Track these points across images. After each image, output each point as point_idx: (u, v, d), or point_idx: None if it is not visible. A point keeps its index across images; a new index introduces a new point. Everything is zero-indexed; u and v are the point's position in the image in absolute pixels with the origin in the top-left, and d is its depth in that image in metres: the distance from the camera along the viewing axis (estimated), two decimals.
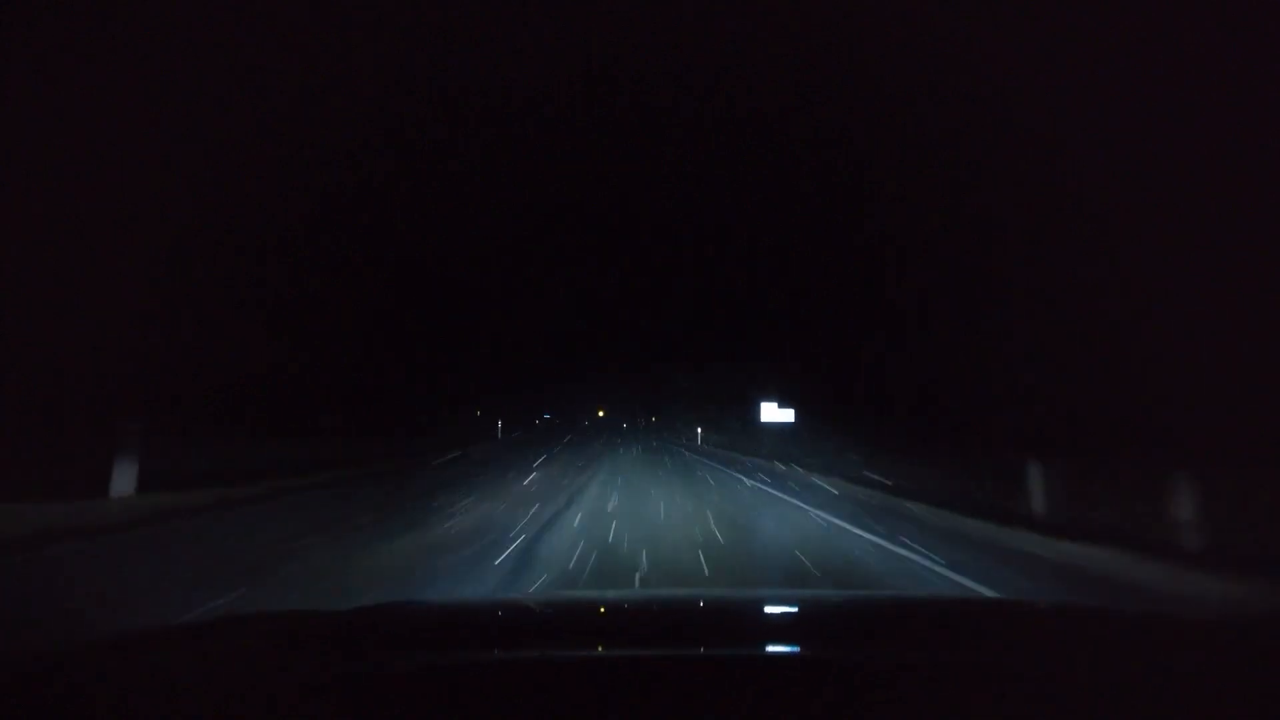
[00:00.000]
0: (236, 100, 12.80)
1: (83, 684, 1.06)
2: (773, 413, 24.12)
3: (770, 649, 1.25)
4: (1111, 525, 6.56)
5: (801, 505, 9.57)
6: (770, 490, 11.79)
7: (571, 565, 5.32)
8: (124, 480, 7.90)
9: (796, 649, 1.32)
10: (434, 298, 28.66)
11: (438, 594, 4.45)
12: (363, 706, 1.01)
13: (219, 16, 12.09)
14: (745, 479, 14.03)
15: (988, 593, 4.72)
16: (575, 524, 7.42)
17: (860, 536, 7.02)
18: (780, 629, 1.54)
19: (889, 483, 11.32)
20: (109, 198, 10.84)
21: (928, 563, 5.70)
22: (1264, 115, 7.10)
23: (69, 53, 10.39)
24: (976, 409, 11.88)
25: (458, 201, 28.50)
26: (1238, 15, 7.45)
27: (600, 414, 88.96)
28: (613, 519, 7.79)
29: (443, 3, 15.57)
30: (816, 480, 13.31)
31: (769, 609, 1.84)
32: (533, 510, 8.37)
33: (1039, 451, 7.62)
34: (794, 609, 1.84)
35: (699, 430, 35.59)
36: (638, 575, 5.01)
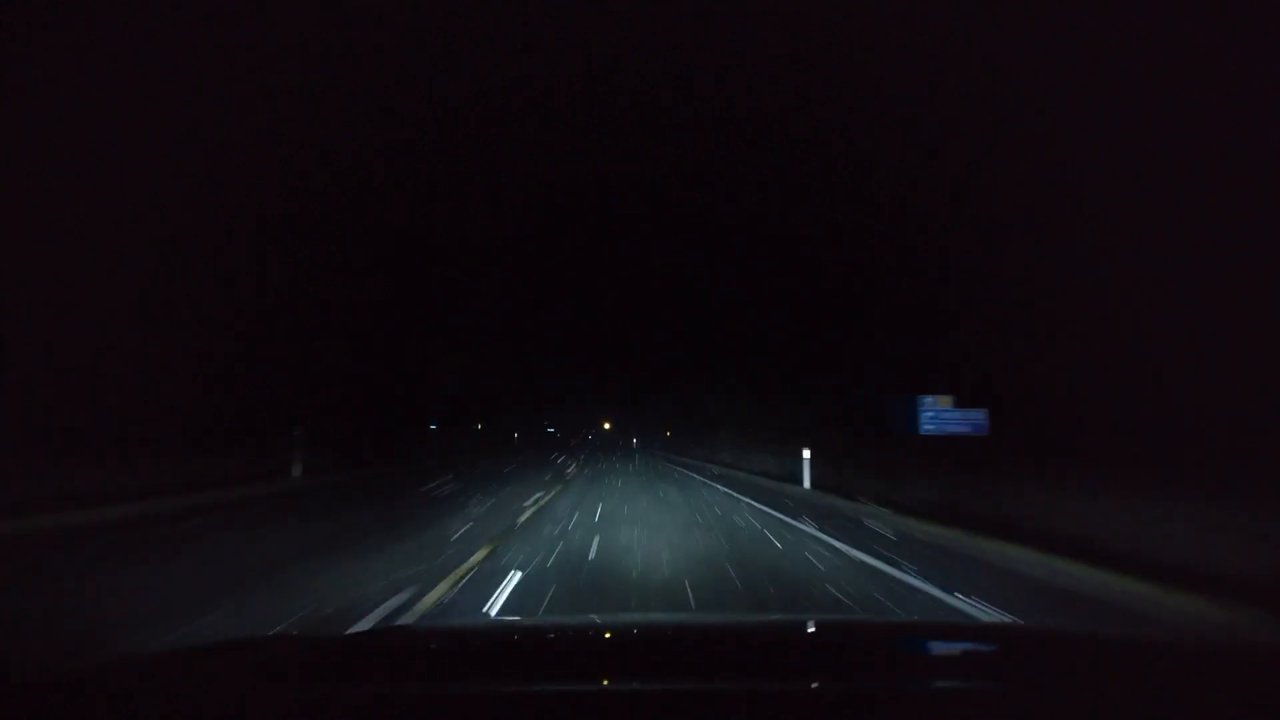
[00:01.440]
0: (231, 104, 12.78)
1: (80, 706, 1.07)
2: (945, 415, 11.82)
3: (770, 680, 1.22)
4: None
5: None
6: None
7: None
8: None
9: (796, 680, 1.29)
10: (429, 300, 28.35)
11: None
12: None
13: (218, 16, 12.06)
14: None
15: None
16: None
17: None
18: (782, 658, 1.51)
19: None
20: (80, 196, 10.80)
21: None
22: None
23: (67, 52, 10.37)
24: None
25: (457, 200, 28.47)
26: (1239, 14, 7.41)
27: (606, 426, 79.32)
28: None
29: (443, 4, 15.55)
30: None
31: (776, 637, 1.81)
32: None
33: None
34: (793, 636, 1.82)
35: (805, 455, 15.15)
36: None
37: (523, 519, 9.74)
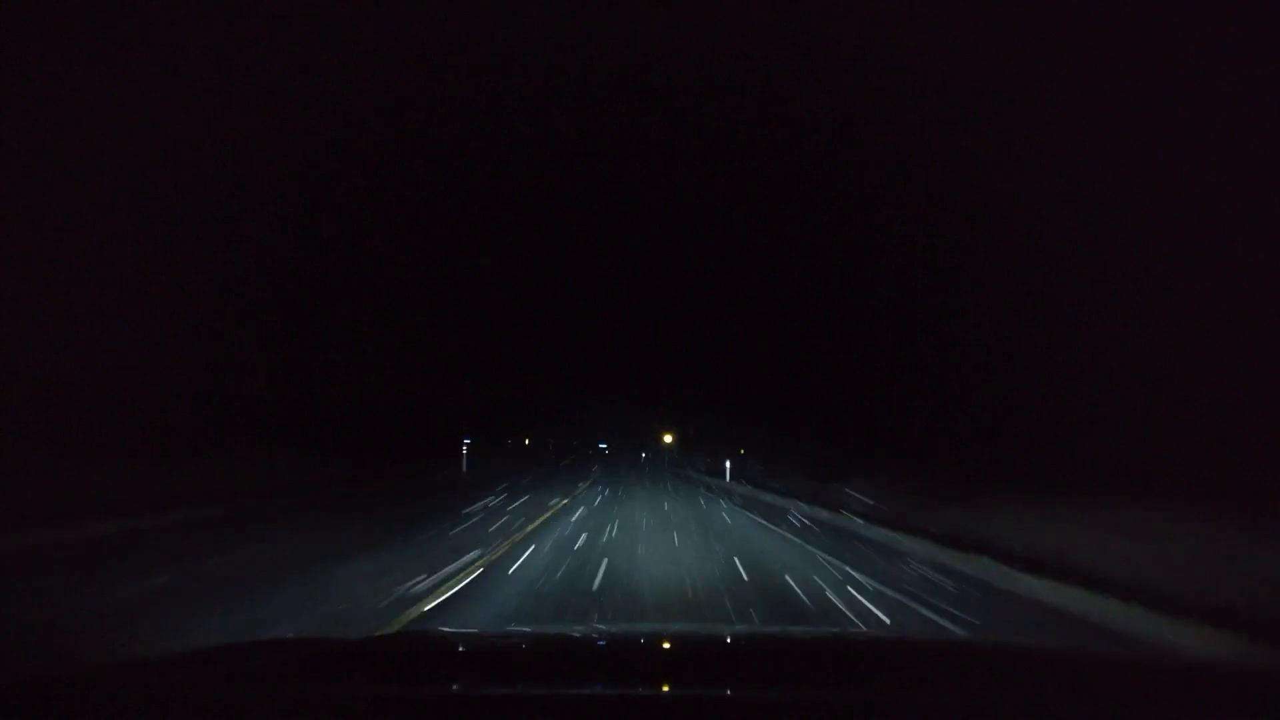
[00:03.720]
0: (233, 108, 12.75)
1: (102, 704, 1.08)
2: None
3: (758, 689, 1.25)
4: None
5: None
6: None
7: None
8: None
9: (775, 689, 1.31)
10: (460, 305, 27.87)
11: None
12: None
13: (218, 13, 12.03)
14: None
15: None
16: None
17: None
18: (765, 668, 1.54)
19: None
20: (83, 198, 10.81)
21: None
22: None
23: (67, 50, 10.35)
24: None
25: (487, 206, 28.20)
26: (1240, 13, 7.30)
27: (666, 440, 65.18)
28: None
29: (443, 4, 15.50)
30: None
31: (770, 648, 1.85)
32: None
33: None
34: (775, 648, 1.85)
35: None
36: None
37: None
